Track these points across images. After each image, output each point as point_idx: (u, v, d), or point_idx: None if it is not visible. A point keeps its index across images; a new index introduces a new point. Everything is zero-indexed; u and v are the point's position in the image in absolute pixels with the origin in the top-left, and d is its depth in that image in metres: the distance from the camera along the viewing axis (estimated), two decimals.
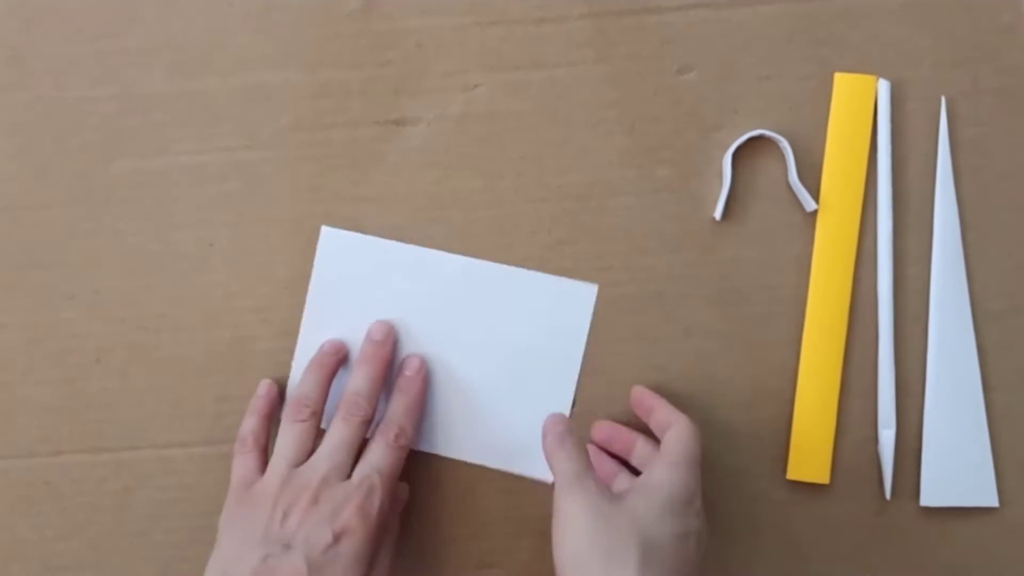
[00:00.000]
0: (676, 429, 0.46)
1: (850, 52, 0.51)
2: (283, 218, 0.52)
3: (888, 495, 0.50)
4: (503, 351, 0.51)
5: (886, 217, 0.51)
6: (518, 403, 0.51)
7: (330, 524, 0.44)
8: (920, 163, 0.51)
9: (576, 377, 0.51)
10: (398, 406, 0.49)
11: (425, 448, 0.51)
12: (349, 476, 0.46)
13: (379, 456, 0.47)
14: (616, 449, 0.50)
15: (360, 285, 0.51)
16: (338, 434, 0.47)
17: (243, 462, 0.48)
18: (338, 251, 0.51)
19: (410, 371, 0.50)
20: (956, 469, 0.50)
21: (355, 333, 0.51)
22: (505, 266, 0.51)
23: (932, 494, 0.50)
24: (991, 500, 0.50)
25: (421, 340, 0.51)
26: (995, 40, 0.51)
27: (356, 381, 0.49)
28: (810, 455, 0.50)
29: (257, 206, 0.52)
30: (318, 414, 0.48)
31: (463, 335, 0.51)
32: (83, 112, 0.52)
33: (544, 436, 0.47)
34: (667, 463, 0.45)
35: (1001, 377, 0.51)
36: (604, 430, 0.50)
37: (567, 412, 0.51)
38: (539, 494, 0.51)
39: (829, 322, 0.51)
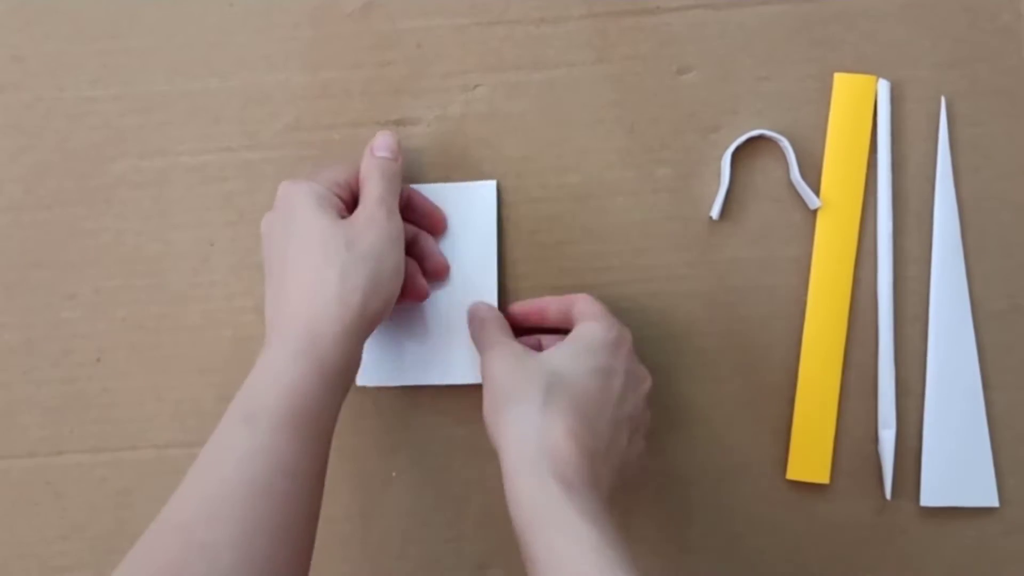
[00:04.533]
0: (583, 300, 0.48)
1: (850, 52, 0.51)
2: None
3: (888, 495, 0.50)
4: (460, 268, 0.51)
5: (886, 217, 0.51)
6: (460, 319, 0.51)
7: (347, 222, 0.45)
8: (920, 163, 0.51)
9: (495, 275, 0.51)
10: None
11: (393, 382, 0.51)
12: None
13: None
14: (534, 320, 0.51)
15: None
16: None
17: None
18: None
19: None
20: (956, 469, 0.50)
21: None
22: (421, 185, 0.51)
23: (932, 494, 0.50)
24: (991, 500, 0.50)
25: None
26: (995, 40, 0.51)
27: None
28: (810, 455, 0.50)
29: (257, 206, 0.52)
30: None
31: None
32: (83, 112, 0.52)
33: (470, 321, 0.49)
34: (585, 318, 0.47)
35: (1001, 377, 0.51)
36: (518, 308, 0.51)
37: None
38: None
39: (829, 322, 0.51)
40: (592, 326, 0.46)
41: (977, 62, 0.51)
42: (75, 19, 0.52)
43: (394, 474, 0.52)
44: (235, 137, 0.52)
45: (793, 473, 0.50)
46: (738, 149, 0.51)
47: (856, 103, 0.51)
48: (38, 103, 0.52)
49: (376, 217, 0.45)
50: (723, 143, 0.51)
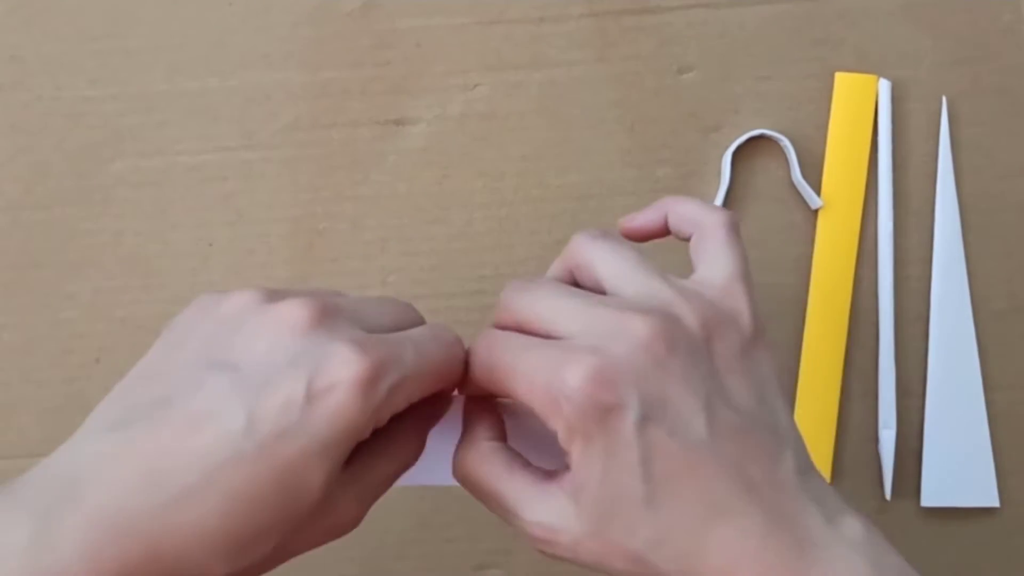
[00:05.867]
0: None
1: (850, 52, 0.51)
2: (283, 218, 0.52)
3: (888, 495, 0.50)
4: None
5: (887, 217, 0.51)
6: None
7: (307, 370, 0.27)
8: (920, 163, 0.51)
9: None
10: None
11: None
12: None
13: (422, 335, 0.31)
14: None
15: None
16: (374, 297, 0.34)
17: None
18: None
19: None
20: (956, 469, 0.50)
21: None
22: None
23: (932, 494, 0.50)
24: (991, 500, 0.50)
25: None
26: (995, 40, 0.51)
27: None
28: (810, 455, 0.50)
29: (257, 206, 0.52)
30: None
31: None
32: (83, 112, 0.52)
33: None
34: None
35: (1001, 377, 0.51)
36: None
37: None
38: None
39: (829, 322, 0.51)
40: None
41: (978, 62, 0.51)
42: (74, 19, 0.52)
43: None
44: (234, 137, 0.52)
45: None
46: (739, 149, 0.51)
47: (857, 103, 0.51)
48: (36, 103, 0.52)
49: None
50: (724, 143, 0.51)
